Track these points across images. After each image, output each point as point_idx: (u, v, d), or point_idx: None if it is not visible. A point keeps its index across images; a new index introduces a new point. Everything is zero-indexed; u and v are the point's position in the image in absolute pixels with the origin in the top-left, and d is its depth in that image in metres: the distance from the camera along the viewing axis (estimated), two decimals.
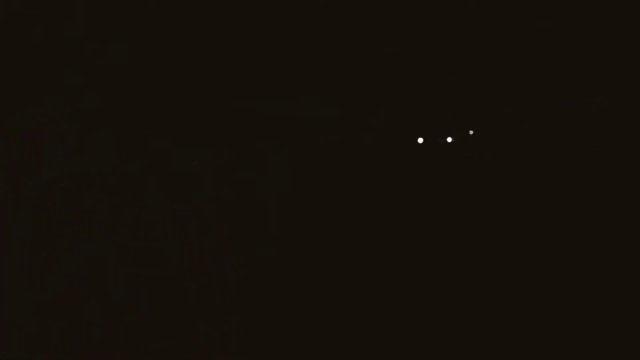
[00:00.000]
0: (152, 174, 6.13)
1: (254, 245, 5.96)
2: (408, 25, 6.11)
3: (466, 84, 6.24)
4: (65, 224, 5.91)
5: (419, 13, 6.10)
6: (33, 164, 5.91)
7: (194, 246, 5.95)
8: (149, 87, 6.05)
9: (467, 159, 6.22)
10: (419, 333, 5.09)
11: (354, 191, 6.17)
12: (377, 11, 6.05)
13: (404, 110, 6.21)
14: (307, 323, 5.28)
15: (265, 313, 5.44)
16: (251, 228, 6.04)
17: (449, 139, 5.81)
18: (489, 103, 6.24)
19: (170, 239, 5.97)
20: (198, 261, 5.85)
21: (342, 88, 6.18)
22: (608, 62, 6.11)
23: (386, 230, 6.02)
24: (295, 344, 5.04)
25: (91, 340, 5.15)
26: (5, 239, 5.92)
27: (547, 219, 6.00)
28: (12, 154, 5.96)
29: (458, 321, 5.18)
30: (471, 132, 5.72)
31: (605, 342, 4.83)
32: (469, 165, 6.23)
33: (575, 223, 5.94)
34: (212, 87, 6.14)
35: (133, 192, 6.10)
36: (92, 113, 6.03)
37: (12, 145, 5.93)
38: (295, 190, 6.18)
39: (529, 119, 6.24)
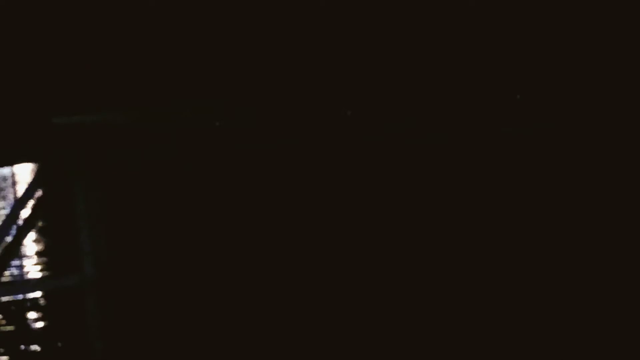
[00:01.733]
0: (153, 173, 6.14)
1: (254, 245, 5.97)
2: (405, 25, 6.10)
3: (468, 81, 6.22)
4: (66, 224, 5.92)
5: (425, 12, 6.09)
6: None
7: (195, 246, 5.97)
8: (149, 86, 6.06)
9: (467, 158, 6.22)
10: (421, 333, 5.10)
11: (353, 191, 6.17)
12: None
13: (402, 110, 6.20)
14: (307, 323, 5.29)
15: (265, 313, 5.45)
16: (251, 228, 6.05)
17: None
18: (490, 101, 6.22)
19: (171, 239, 5.99)
20: (198, 261, 5.87)
21: (343, 88, 6.18)
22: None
23: (385, 231, 6.03)
24: (296, 344, 5.05)
25: (91, 340, 5.16)
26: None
27: (547, 219, 6.00)
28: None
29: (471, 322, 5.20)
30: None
31: (606, 341, 4.83)
32: (468, 165, 6.23)
33: (575, 223, 5.94)
34: (212, 87, 6.15)
35: (134, 192, 6.11)
36: (93, 113, 6.04)
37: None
38: (296, 190, 6.18)
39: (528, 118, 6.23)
